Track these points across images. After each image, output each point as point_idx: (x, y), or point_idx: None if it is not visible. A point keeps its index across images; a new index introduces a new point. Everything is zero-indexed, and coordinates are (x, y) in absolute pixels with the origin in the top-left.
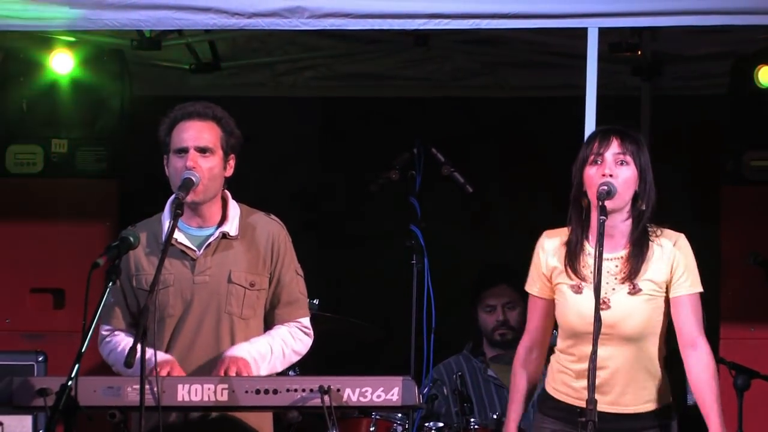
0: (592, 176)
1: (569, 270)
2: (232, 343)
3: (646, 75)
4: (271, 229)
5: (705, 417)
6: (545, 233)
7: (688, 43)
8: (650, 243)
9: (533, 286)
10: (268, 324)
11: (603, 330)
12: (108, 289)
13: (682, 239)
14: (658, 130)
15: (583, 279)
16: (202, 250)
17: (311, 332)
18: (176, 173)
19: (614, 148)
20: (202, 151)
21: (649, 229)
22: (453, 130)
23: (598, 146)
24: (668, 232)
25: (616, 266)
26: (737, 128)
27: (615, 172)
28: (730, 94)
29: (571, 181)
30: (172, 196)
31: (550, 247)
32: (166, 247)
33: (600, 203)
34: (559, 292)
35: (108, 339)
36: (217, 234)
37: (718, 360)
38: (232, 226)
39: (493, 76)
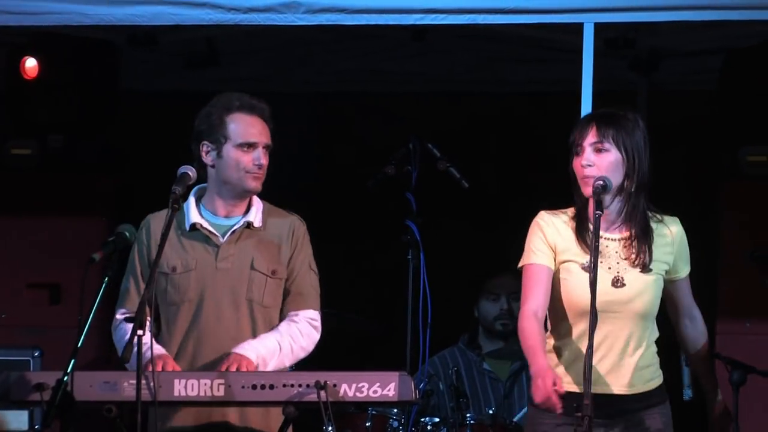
0: (575, 167)
1: (582, 245)
2: (253, 330)
3: (642, 70)
4: (293, 222)
5: (698, 370)
6: (542, 211)
7: (685, 38)
8: (653, 226)
9: (535, 256)
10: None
11: (616, 308)
12: (104, 285)
13: (679, 223)
14: (654, 126)
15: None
16: (225, 238)
17: (319, 326)
18: (237, 166)
19: (591, 137)
20: (266, 148)
21: (649, 213)
22: (449, 125)
23: (578, 136)
24: (666, 216)
25: (624, 247)
26: (734, 123)
27: (592, 161)
28: (725, 89)
29: (567, 175)
30: (198, 186)
31: (553, 222)
32: (164, 241)
33: (595, 198)
34: (566, 271)
35: (120, 325)
36: (242, 223)
37: (715, 355)
38: (256, 217)
39: (490, 71)
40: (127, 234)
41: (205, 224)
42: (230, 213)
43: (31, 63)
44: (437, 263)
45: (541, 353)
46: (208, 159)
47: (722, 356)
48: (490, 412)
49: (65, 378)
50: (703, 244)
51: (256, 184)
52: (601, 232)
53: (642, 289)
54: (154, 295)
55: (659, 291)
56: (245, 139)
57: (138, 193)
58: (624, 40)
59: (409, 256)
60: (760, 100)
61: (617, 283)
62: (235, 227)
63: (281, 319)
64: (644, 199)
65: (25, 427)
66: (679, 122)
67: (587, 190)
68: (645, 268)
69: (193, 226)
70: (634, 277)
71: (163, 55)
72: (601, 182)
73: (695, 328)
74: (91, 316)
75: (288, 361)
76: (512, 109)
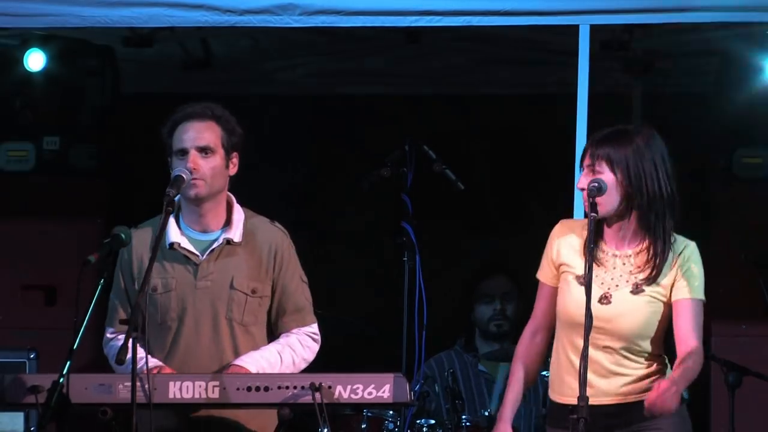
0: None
1: (585, 257)
2: (234, 348)
3: (637, 72)
4: (275, 236)
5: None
6: (561, 222)
7: (679, 40)
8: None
9: (542, 273)
10: (276, 332)
11: (599, 324)
12: (100, 287)
13: (692, 246)
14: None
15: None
16: (205, 256)
17: (319, 338)
18: None
19: (587, 158)
20: (203, 151)
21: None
22: (444, 127)
23: (582, 156)
24: (680, 238)
25: (623, 264)
26: (728, 125)
27: (584, 184)
28: (720, 91)
29: (562, 177)
30: (178, 196)
31: (562, 236)
32: (157, 246)
33: (591, 200)
34: (563, 281)
35: (112, 343)
36: (221, 240)
37: (710, 357)
38: (236, 233)
39: (485, 73)
40: (123, 236)
41: (184, 243)
42: (206, 227)
43: (36, 55)
44: (433, 265)
45: (510, 399)
46: (171, 174)
47: (718, 358)
48: (486, 414)
49: (61, 380)
50: (698, 246)
51: (193, 192)
52: (608, 247)
53: (627, 310)
54: (147, 300)
55: (653, 315)
56: (176, 147)
57: (133, 195)
58: (619, 43)
59: (405, 258)
60: (754, 102)
61: (603, 300)
62: (214, 246)
63: (281, 333)
64: (658, 218)
65: (21, 429)
66: (673, 124)
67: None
68: (637, 288)
69: (172, 245)
70: (622, 296)
71: (158, 57)
72: (596, 184)
73: (688, 355)
74: (86, 318)
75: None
76: (507, 112)
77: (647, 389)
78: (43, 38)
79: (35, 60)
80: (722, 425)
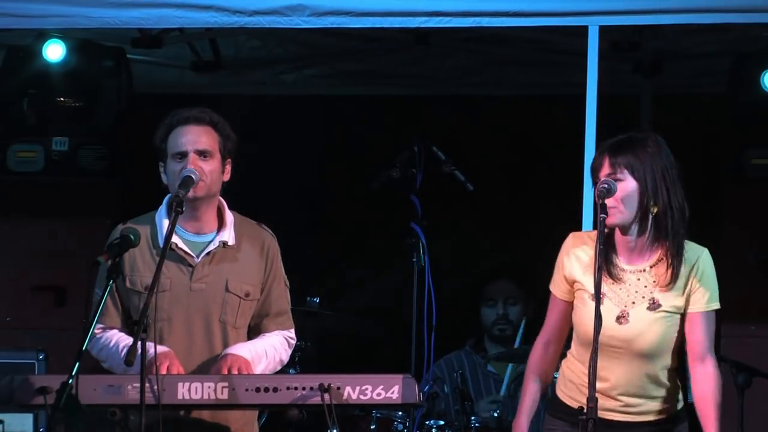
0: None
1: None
2: (225, 349)
3: (647, 73)
4: (265, 239)
5: (704, 427)
6: (571, 235)
7: (689, 41)
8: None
9: (554, 286)
10: (255, 332)
11: (617, 344)
12: (108, 288)
13: (705, 254)
14: (658, 129)
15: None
16: (200, 258)
17: (295, 342)
18: (175, 177)
19: (605, 168)
20: (202, 154)
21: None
22: (453, 128)
23: (594, 168)
24: (693, 246)
25: (638, 279)
26: (738, 126)
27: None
28: (730, 92)
29: (571, 178)
30: (168, 195)
31: (575, 251)
32: (166, 247)
33: (600, 201)
34: (579, 298)
35: (99, 335)
36: (216, 242)
37: (720, 358)
38: (230, 236)
39: (494, 74)
40: (132, 237)
41: (180, 243)
42: (200, 229)
43: (55, 46)
44: (442, 266)
45: (524, 411)
46: (163, 178)
47: (727, 359)
48: (495, 415)
49: (70, 381)
50: (708, 247)
51: (191, 193)
52: (621, 261)
53: (645, 328)
54: (155, 299)
55: (670, 329)
56: (175, 149)
57: (142, 196)
58: (628, 43)
59: (414, 259)
60: (763, 103)
61: (621, 319)
62: (210, 248)
63: (260, 334)
64: (674, 223)
65: (30, 430)
66: (683, 125)
67: (609, 221)
68: (654, 304)
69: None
70: (639, 314)
71: (167, 58)
72: (605, 186)
73: (705, 374)
74: (95, 320)
75: (269, 370)
76: (516, 112)
77: (658, 410)
78: (60, 37)
79: (54, 51)
80: (731, 426)
